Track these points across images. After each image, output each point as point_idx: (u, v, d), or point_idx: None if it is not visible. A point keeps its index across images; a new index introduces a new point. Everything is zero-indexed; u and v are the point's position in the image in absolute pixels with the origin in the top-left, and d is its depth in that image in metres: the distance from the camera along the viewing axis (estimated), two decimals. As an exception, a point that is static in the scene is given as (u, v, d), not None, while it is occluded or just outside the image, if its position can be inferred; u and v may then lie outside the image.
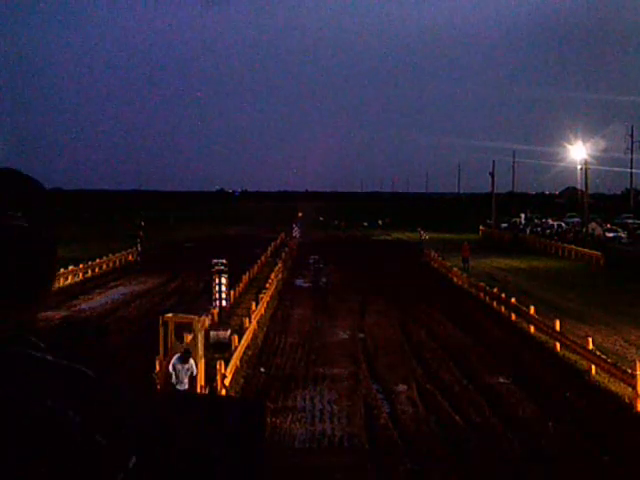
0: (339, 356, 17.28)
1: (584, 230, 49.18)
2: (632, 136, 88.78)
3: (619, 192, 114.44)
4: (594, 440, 11.33)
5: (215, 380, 13.30)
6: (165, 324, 13.03)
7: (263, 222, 63.06)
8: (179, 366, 12.31)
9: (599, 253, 39.83)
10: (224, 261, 21.40)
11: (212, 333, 17.60)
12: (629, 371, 13.40)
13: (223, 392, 12.84)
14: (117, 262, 36.95)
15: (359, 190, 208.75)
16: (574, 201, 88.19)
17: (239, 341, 16.20)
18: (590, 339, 15.99)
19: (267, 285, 26.02)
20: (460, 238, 48.59)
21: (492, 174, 69.67)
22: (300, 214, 79.68)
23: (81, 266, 31.62)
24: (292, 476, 9.84)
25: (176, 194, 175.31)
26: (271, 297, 25.27)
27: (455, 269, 32.50)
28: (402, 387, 14.48)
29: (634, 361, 13.88)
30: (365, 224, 77.04)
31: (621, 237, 49.49)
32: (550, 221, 62.86)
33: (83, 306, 24.76)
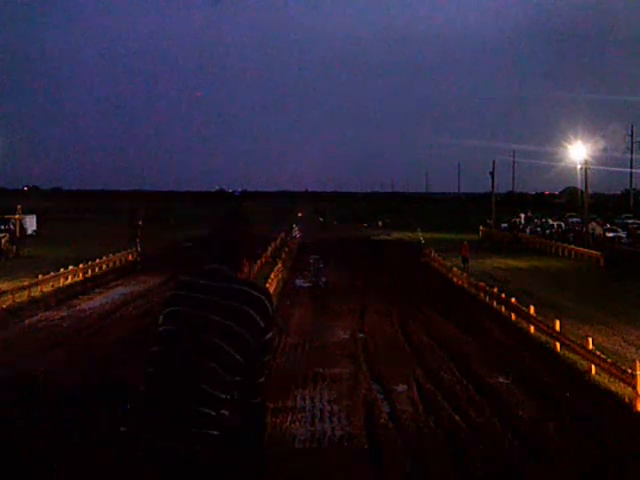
0: (339, 356, 17.28)
1: (584, 230, 49.16)
2: (632, 136, 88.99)
3: (619, 192, 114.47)
4: (594, 440, 11.33)
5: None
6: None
7: (263, 222, 62.99)
8: None
9: (599, 253, 39.85)
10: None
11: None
12: (629, 371, 13.40)
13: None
14: (117, 262, 36.97)
15: (359, 190, 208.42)
16: (574, 201, 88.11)
17: (239, 341, 16.16)
18: (590, 339, 15.99)
19: (267, 285, 26.01)
20: (460, 238, 48.57)
21: (492, 174, 69.65)
22: (300, 214, 79.69)
23: (81, 266, 31.61)
24: (292, 476, 9.83)
25: (176, 194, 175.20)
26: (271, 297, 25.23)
27: (455, 269, 32.50)
28: (402, 387, 14.48)
29: (634, 361, 13.88)
30: (365, 225, 77.03)
31: (621, 237, 49.51)
32: (550, 221, 62.82)
33: (83, 306, 24.75)
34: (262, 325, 2.72)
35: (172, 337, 2.72)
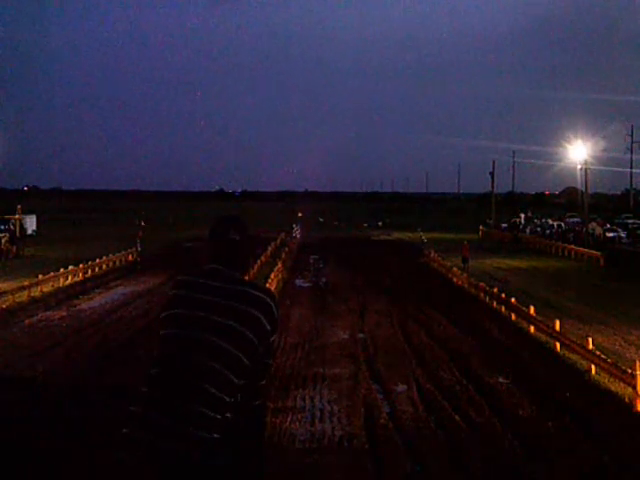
0: (339, 356, 17.28)
1: (584, 230, 49.17)
2: (632, 136, 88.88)
3: (619, 192, 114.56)
4: (594, 440, 11.33)
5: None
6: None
7: (263, 222, 63.05)
8: None
9: (599, 253, 39.86)
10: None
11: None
12: (629, 371, 13.40)
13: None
14: (117, 262, 36.97)
15: (359, 190, 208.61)
16: (574, 201, 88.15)
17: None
18: (590, 339, 15.99)
19: (267, 285, 26.01)
20: (460, 238, 48.57)
21: (492, 174, 69.71)
22: (300, 214, 79.70)
23: (81, 266, 31.61)
24: (292, 476, 9.84)
25: (176, 194, 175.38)
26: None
27: (455, 269, 32.49)
28: (402, 387, 14.48)
29: (634, 361, 13.88)
30: (365, 225, 77.10)
31: (621, 237, 49.50)
32: (550, 221, 62.83)
33: (83, 306, 24.75)
34: (268, 328, 2.70)
35: (175, 339, 2.69)
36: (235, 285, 2.77)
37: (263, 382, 2.72)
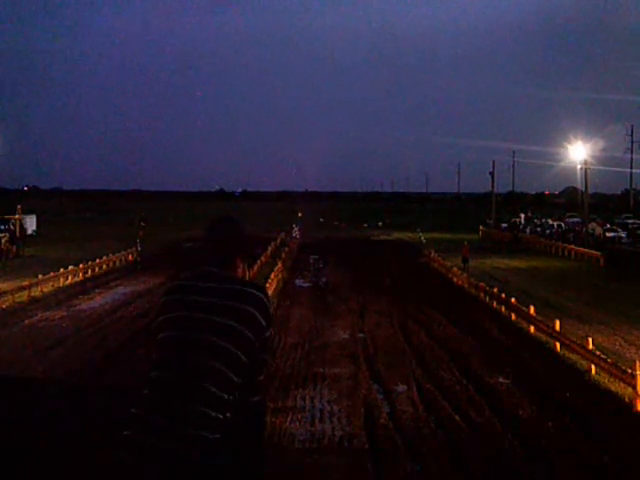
0: (339, 356, 17.28)
1: (584, 230, 49.17)
2: (632, 136, 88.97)
3: (619, 192, 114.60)
4: (594, 440, 11.33)
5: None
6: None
7: (263, 222, 63.04)
8: None
9: (599, 253, 39.86)
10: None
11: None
12: (629, 371, 13.41)
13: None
14: (117, 262, 36.97)
15: (359, 190, 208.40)
16: (574, 201, 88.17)
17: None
18: (590, 339, 16.00)
19: (267, 285, 26.00)
20: (460, 238, 48.57)
21: (492, 174, 69.75)
22: (300, 214, 79.75)
23: (81, 266, 31.61)
24: (292, 476, 9.84)
25: (176, 194, 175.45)
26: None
27: (455, 269, 32.50)
28: (402, 387, 14.49)
29: (634, 361, 13.88)
30: (365, 225, 77.14)
31: (621, 237, 49.50)
32: (550, 221, 62.82)
33: (83, 306, 24.76)
34: (264, 323, 2.72)
35: (174, 341, 2.70)
36: (228, 284, 2.79)
37: (261, 378, 2.74)
